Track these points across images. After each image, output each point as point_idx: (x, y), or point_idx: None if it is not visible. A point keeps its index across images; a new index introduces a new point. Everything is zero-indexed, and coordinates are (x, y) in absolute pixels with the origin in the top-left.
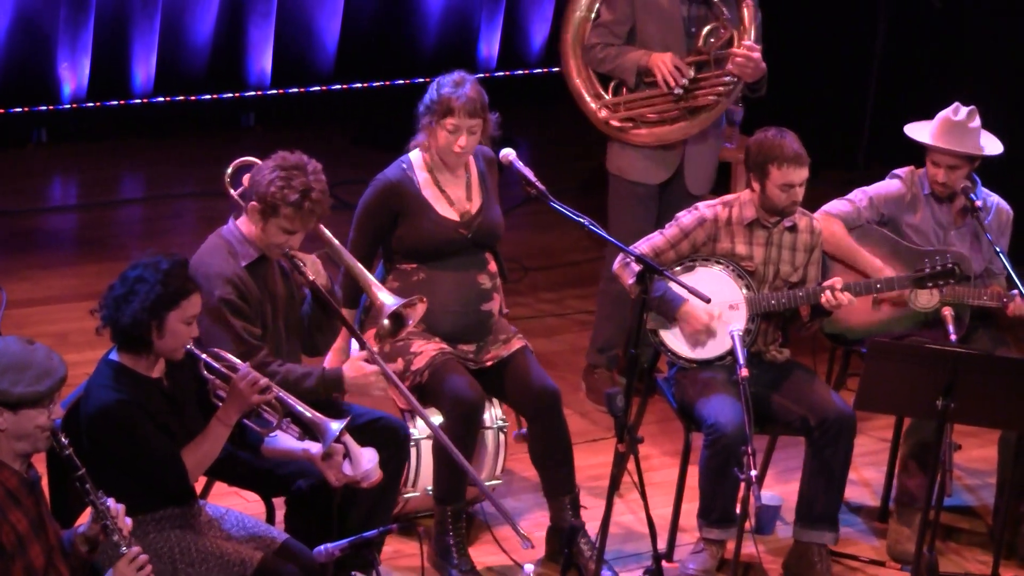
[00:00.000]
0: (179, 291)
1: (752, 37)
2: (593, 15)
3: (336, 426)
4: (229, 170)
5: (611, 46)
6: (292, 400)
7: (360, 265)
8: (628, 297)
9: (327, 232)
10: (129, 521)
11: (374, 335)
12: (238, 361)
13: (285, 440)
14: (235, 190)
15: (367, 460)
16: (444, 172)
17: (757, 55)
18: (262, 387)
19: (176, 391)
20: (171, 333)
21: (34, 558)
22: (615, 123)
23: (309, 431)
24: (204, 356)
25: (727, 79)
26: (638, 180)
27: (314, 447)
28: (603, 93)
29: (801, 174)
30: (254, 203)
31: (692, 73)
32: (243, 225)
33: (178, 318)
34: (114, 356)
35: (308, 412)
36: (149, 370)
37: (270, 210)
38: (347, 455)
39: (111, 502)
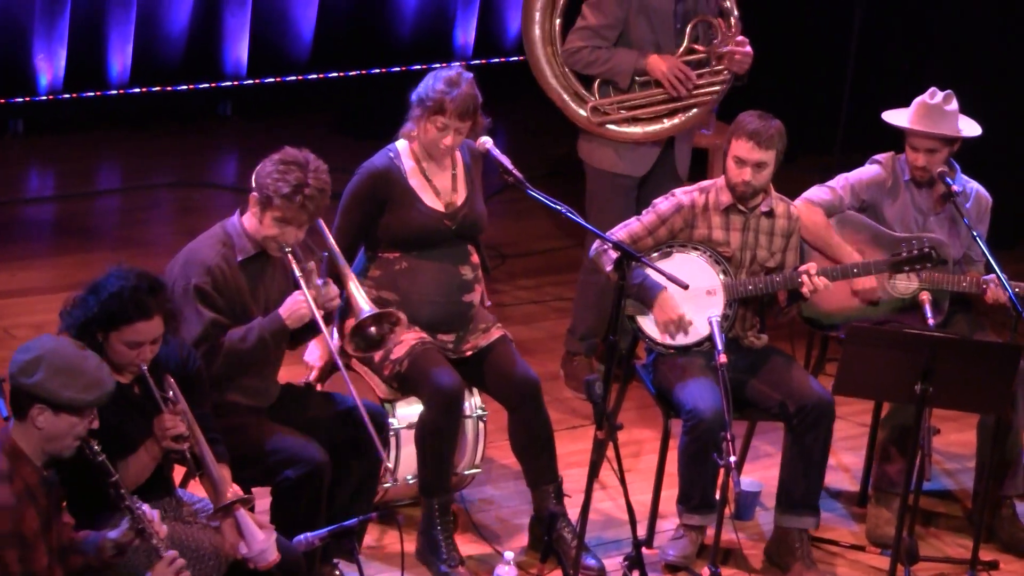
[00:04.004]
0: (116, 316)
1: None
2: (558, 20)
3: (231, 494)
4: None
5: (600, 49)
6: (208, 456)
7: (349, 270)
8: (611, 287)
9: (331, 239)
10: (165, 528)
11: (347, 343)
12: (182, 402)
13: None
14: None
15: (259, 542)
16: (431, 162)
17: (751, 49)
18: (174, 435)
19: (145, 399)
20: (113, 351)
21: (39, 558)
22: (607, 125)
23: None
24: (152, 384)
25: (726, 74)
26: (624, 173)
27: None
28: (585, 93)
29: (753, 154)
30: (254, 193)
31: (695, 76)
32: (246, 220)
33: (118, 339)
34: None
35: (215, 472)
36: (116, 373)
37: (266, 201)
38: (241, 532)
39: (146, 508)
